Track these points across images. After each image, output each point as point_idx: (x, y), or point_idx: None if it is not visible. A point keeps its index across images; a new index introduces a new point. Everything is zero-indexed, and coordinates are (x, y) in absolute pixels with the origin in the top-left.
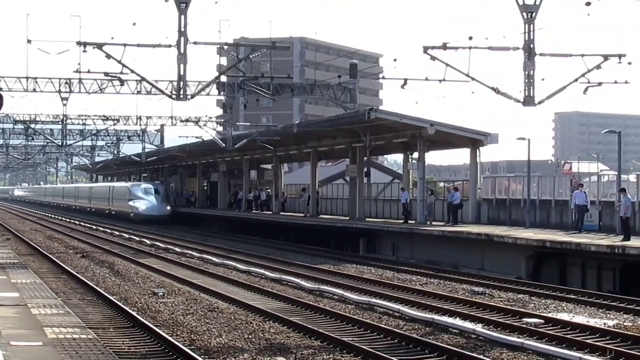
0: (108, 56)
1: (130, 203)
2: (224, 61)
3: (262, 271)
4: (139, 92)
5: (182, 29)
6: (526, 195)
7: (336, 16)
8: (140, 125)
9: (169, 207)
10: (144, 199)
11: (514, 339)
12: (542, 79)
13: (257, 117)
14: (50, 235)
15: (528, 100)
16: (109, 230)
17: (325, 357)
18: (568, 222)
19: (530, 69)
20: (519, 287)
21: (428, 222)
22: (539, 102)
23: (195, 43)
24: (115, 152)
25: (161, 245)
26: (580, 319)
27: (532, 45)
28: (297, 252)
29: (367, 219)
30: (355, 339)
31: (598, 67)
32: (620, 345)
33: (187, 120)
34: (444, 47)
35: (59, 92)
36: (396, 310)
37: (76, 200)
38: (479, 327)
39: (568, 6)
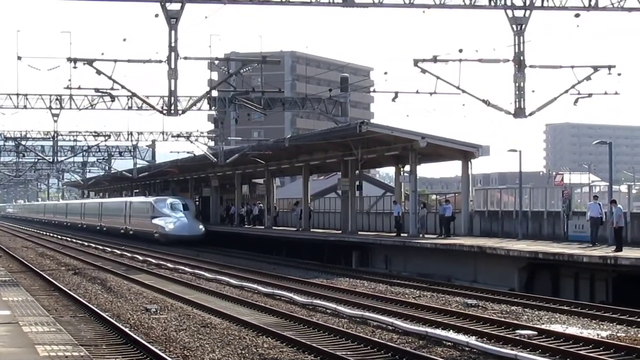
0: (98, 72)
1: (155, 221)
2: (214, 76)
3: (254, 286)
4: (129, 108)
5: (173, 44)
6: (518, 206)
7: (326, 30)
8: (132, 140)
9: (201, 226)
10: (172, 217)
11: (507, 351)
12: (533, 91)
13: (249, 132)
14: (41, 252)
15: (519, 112)
16: (100, 247)
17: None
18: (560, 233)
19: (520, 80)
20: (512, 298)
21: (420, 235)
22: (530, 114)
23: (185, 58)
24: (107, 168)
25: (153, 261)
26: (573, 330)
27: (522, 57)
28: (290, 266)
29: (359, 233)
30: (348, 353)
31: (588, 78)
32: (614, 356)
33: (178, 136)
34: (435, 59)
35: (50, 108)
36: (389, 324)
37: (83, 218)
38: (472, 340)
39: (557, 18)
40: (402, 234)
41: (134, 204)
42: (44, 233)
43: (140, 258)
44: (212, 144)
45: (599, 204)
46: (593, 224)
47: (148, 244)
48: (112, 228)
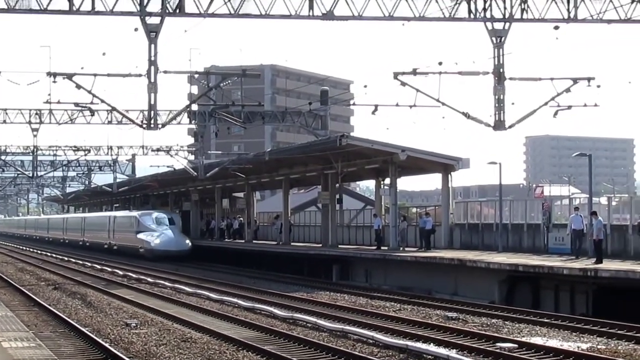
0: (78, 86)
1: (140, 236)
2: (194, 90)
3: (235, 300)
4: (109, 122)
5: (152, 58)
6: (498, 219)
7: (306, 43)
8: (112, 155)
9: (188, 241)
10: (158, 231)
11: None
12: (512, 103)
13: (229, 145)
14: (21, 267)
15: (499, 125)
16: (80, 262)
17: None
18: (540, 246)
19: (500, 93)
20: (493, 311)
21: (401, 248)
22: (510, 126)
23: (165, 72)
24: (87, 182)
25: (133, 275)
26: (554, 342)
27: (501, 70)
28: (270, 280)
29: (339, 246)
30: None
31: (568, 90)
32: None
33: (158, 150)
34: (414, 72)
35: (30, 123)
36: (370, 337)
37: (65, 233)
38: (453, 353)
39: (537, 30)
40: (382, 247)
41: (118, 218)
42: (24, 248)
43: (121, 273)
44: (192, 157)
45: (581, 216)
46: (575, 236)
47: (130, 259)
48: (95, 243)
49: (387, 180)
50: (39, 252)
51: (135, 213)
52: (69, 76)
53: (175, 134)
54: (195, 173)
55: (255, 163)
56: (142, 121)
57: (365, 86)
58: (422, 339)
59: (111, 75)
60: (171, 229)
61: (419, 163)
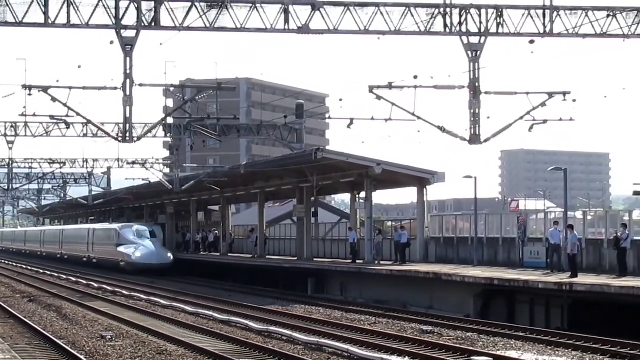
0: (54, 99)
1: (121, 249)
2: (170, 103)
3: (210, 313)
4: (85, 135)
5: (128, 71)
6: (474, 233)
7: (282, 57)
8: (87, 168)
9: (170, 255)
10: (138, 244)
11: None
12: (488, 117)
13: (204, 159)
14: None
15: (474, 139)
16: (56, 274)
17: None
18: (516, 260)
19: (475, 107)
20: (468, 325)
21: (376, 262)
22: (485, 140)
23: (141, 85)
24: (62, 195)
25: (109, 288)
26: (529, 356)
27: (477, 84)
28: (246, 293)
29: (315, 259)
30: None
31: (543, 104)
32: None
33: (134, 163)
34: (390, 86)
35: (5, 135)
36: (345, 350)
37: (42, 246)
38: None
39: (512, 44)
40: (357, 261)
41: (98, 231)
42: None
43: (96, 285)
44: (167, 170)
45: (559, 231)
46: (553, 250)
47: (107, 272)
48: (73, 256)
49: (363, 194)
50: (15, 264)
51: (115, 225)
52: (45, 89)
53: (151, 147)
54: (171, 186)
55: (230, 176)
56: (117, 134)
57: (341, 100)
58: (397, 352)
59: (87, 88)
60: (152, 242)
61: (394, 177)
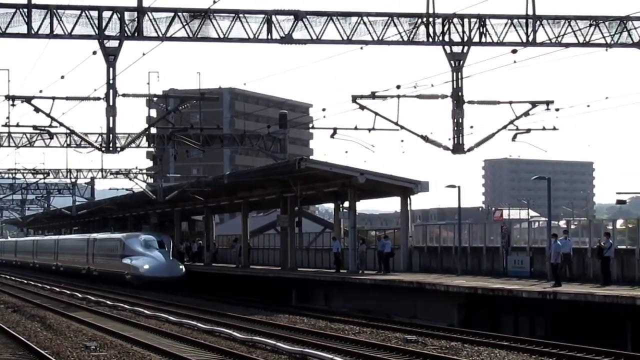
0: (37, 109)
1: (126, 261)
2: (153, 113)
3: (194, 323)
4: (68, 145)
5: (111, 82)
6: (457, 242)
7: (265, 67)
8: (71, 178)
9: (182, 267)
10: (147, 256)
11: None
12: (471, 127)
13: (188, 169)
14: None
15: (457, 148)
16: (39, 284)
17: None
18: (499, 269)
19: (459, 116)
20: (452, 334)
21: (360, 271)
22: (469, 150)
23: (124, 95)
24: (46, 205)
25: (92, 298)
26: None
27: (460, 93)
28: (230, 303)
29: (299, 269)
30: None
31: (526, 114)
32: None
33: (117, 173)
34: (373, 96)
35: None
36: None
37: (35, 257)
38: None
39: (495, 54)
40: (341, 270)
41: (99, 240)
42: None
43: (80, 295)
44: (151, 181)
45: (569, 240)
46: (565, 260)
47: (109, 286)
48: (71, 268)
49: (346, 204)
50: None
51: (120, 235)
52: (28, 99)
53: (134, 157)
54: (154, 196)
55: (214, 186)
56: (101, 144)
57: (324, 109)
58: None
59: (70, 98)
60: (162, 253)
61: (378, 186)
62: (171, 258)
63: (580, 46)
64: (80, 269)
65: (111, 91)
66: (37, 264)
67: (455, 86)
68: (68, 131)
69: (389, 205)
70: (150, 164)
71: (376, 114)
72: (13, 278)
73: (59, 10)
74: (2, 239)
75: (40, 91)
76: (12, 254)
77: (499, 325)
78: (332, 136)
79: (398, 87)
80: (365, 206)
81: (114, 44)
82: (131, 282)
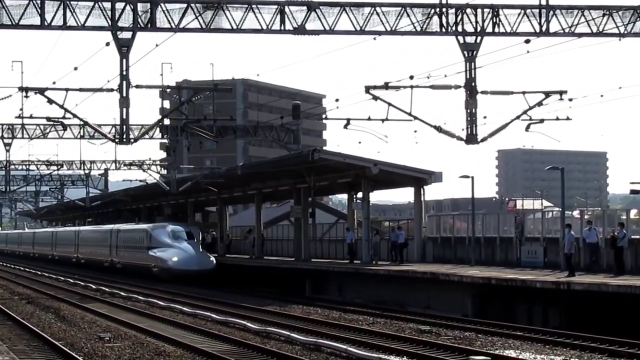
0: (50, 101)
1: (153, 253)
2: (166, 104)
3: (208, 314)
4: (82, 137)
5: (124, 73)
6: (471, 233)
7: (278, 57)
8: (84, 169)
9: (212, 259)
10: (175, 247)
11: None
12: (484, 117)
13: (201, 160)
14: None
15: (471, 138)
16: (54, 276)
17: None
18: (513, 259)
19: (472, 107)
20: (465, 324)
21: (373, 262)
22: (482, 140)
23: (137, 86)
24: (60, 197)
25: (107, 289)
26: (527, 355)
27: (473, 84)
28: (243, 294)
29: (312, 260)
30: None
31: (540, 104)
32: None
33: (131, 164)
34: (386, 86)
35: (2, 138)
36: (343, 350)
37: (54, 249)
38: None
39: (509, 44)
40: (355, 261)
41: (124, 232)
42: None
43: (94, 287)
44: (164, 172)
45: (595, 229)
46: (591, 251)
47: (134, 279)
48: (92, 260)
49: (360, 194)
50: (13, 266)
51: (146, 225)
52: (41, 91)
53: (148, 149)
54: (168, 187)
55: (227, 177)
56: (114, 136)
57: (337, 100)
58: (396, 352)
59: (83, 90)
60: (191, 244)
61: (391, 177)
62: (201, 250)
63: (594, 36)
64: (102, 261)
65: (124, 82)
66: (57, 256)
67: (468, 76)
68: (81, 123)
69: (403, 195)
70: (163, 155)
71: (389, 104)
72: (27, 270)
73: (72, 2)
74: (20, 230)
75: (54, 83)
76: (30, 245)
77: (513, 316)
78: (345, 127)
79: (411, 77)
80: (378, 197)
81: (127, 35)
82: (158, 276)
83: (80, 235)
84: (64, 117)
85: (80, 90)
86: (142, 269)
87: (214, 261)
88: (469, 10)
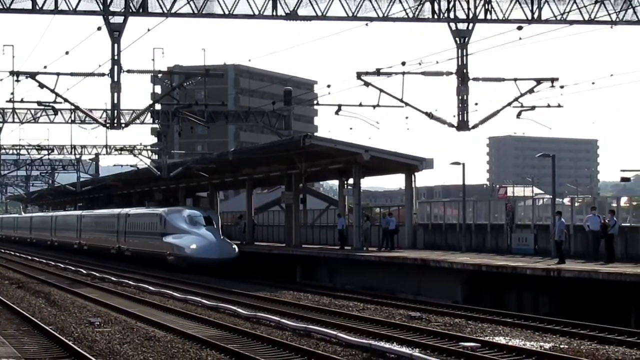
0: (41, 85)
1: (168, 240)
2: (158, 89)
3: (198, 299)
4: (73, 121)
5: (116, 58)
6: (462, 219)
7: (270, 43)
8: (75, 154)
9: (234, 246)
10: (193, 234)
11: None
12: (476, 104)
13: (192, 145)
14: None
15: (462, 125)
16: (44, 261)
17: None
18: (504, 246)
19: (463, 93)
20: (456, 311)
21: (364, 248)
22: (473, 127)
23: (129, 71)
24: (50, 182)
25: (97, 274)
26: (516, 342)
27: (465, 70)
28: (234, 279)
29: (303, 246)
30: None
31: (531, 91)
32: None
33: (122, 149)
34: (378, 72)
35: None
36: (333, 336)
37: (53, 234)
38: (416, 352)
39: (500, 31)
40: (346, 247)
41: (134, 216)
42: None
43: (84, 271)
44: (155, 157)
45: (599, 216)
46: (593, 237)
47: (146, 268)
48: (97, 247)
49: (351, 180)
50: (3, 250)
51: (160, 210)
52: (32, 75)
53: (139, 134)
54: (159, 172)
55: (218, 163)
56: (105, 120)
57: (329, 86)
58: (386, 338)
59: (74, 74)
60: (210, 230)
61: (382, 163)
62: (222, 237)
63: (586, 23)
64: (108, 248)
65: (116, 67)
66: (56, 242)
67: (460, 63)
68: (73, 107)
69: (394, 182)
70: (154, 140)
71: (381, 90)
72: (17, 254)
73: None
74: (16, 214)
75: (45, 67)
76: (27, 230)
77: (503, 302)
78: (336, 113)
79: (403, 63)
80: (369, 183)
81: (118, 19)
82: (174, 264)
83: (84, 219)
84: (55, 102)
85: (72, 74)
86: (156, 257)
87: (237, 249)
88: None
